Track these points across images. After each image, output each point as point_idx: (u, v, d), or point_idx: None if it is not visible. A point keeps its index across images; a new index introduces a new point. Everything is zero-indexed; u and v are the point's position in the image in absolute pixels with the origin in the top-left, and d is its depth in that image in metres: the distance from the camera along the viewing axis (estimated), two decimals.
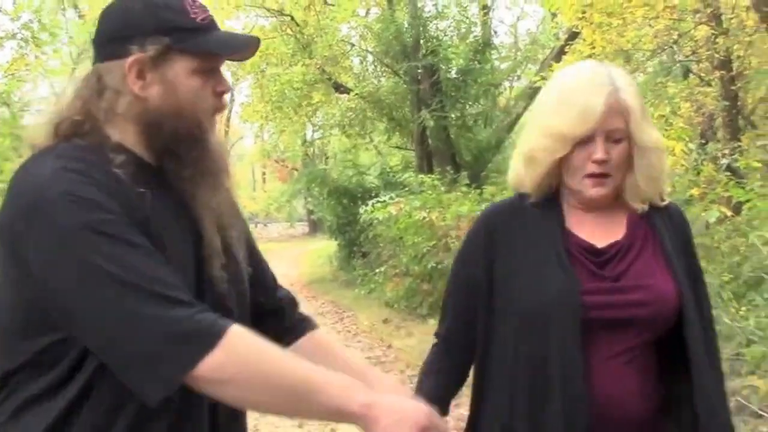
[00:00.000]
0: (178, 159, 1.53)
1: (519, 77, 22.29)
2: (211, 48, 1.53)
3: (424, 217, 12.41)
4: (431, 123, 16.64)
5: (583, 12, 11.72)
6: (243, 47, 1.59)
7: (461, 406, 2.33)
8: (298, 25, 19.58)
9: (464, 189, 13.42)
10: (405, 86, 18.38)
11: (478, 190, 13.30)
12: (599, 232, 1.94)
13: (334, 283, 18.34)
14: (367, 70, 21.55)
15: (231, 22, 21.58)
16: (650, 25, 11.22)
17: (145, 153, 1.53)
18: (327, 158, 26.14)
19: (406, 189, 15.53)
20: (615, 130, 1.86)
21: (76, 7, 19.20)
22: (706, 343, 1.92)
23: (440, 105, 16.98)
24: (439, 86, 17.34)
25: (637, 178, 1.92)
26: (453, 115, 17.18)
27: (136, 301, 1.34)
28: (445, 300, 2.10)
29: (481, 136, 17.63)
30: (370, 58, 21.09)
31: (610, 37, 11.47)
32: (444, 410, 1.94)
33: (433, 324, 11.02)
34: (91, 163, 1.44)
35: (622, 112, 1.86)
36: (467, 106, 17.80)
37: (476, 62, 17.66)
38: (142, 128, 1.51)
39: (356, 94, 19.54)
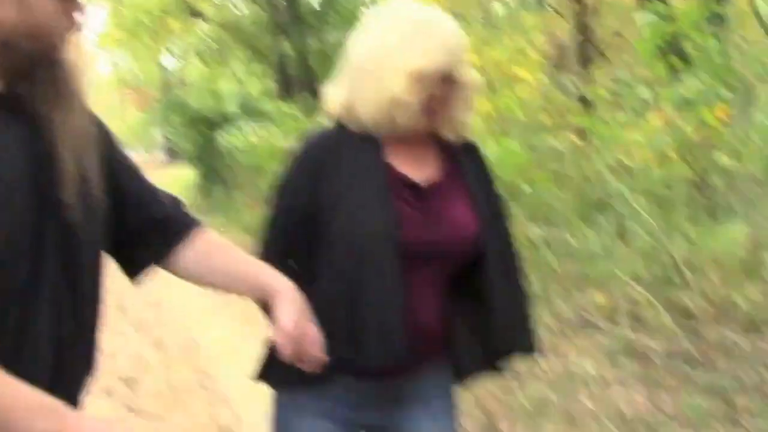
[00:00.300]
0: (32, 82, 1.45)
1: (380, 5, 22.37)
2: None
3: (283, 146, 12.39)
4: (291, 52, 16.51)
5: None
6: None
7: None
8: None
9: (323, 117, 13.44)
10: (265, 14, 18.12)
11: None
12: (415, 166, 2.01)
13: (193, 210, 18.09)
14: None
15: None
16: None
17: None
18: (185, 86, 25.54)
19: (267, 117, 15.43)
20: (449, 72, 1.93)
21: None
22: (507, 268, 2.06)
23: (300, 34, 16.85)
24: (299, 14, 17.18)
25: (455, 113, 2.00)
26: (313, 45, 17.08)
27: None
28: (264, 229, 2.08)
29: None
30: None
31: None
32: None
33: None
34: None
35: (457, 56, 1.93)
36: (327, 36, 17.72)
37: None
38: None
39: (215, 22, 19.13)
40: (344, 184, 1.94)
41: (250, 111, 18.86)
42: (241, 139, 14.15)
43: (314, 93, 16.59)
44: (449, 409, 2.15)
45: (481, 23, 12.90)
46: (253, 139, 13.70)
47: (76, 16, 1.46)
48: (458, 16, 12.97)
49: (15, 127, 1.42)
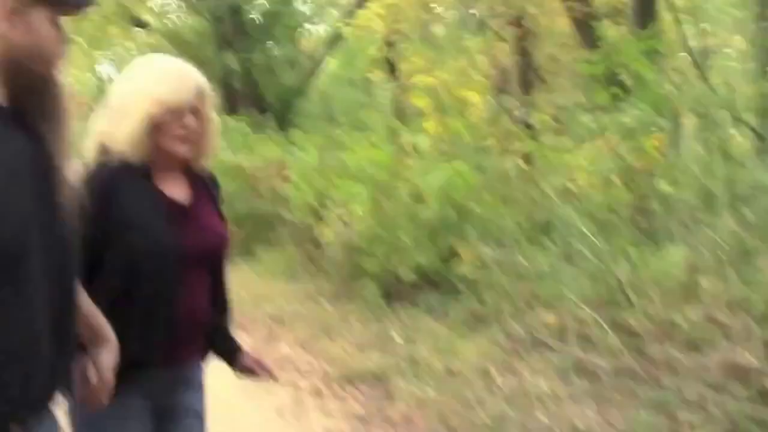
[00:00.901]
0: (32, 97, 1.70)
1: (323, 21, 22.54)
2: (71, 2, 1.76)
3: (233, 161, 12.52)
4: (235, 65, 16.63)
5: None
6: (88, 3, 1.83)
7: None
8: None
9: (271, 132, 13.60)
10: (208, 25, 18.20)
11: (285, 134, 13.51)
12: (177, 190, 2.50)
13: None
14: (169, 4, 21.09)
15: None
16: None
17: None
18: None
19: None
20: (197, 107, 2.44)
21: None
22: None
23: (245, 46, 16.98)
24: (243, 27, 17.31)
25: (204, 144, 2.51)
26: (258, 58, 17.21)
27: None
28: None
29: (285, 80, 17.80)
30: None
31: None
32: None
33: (244, 268, 11.29)
34: None
35: (202, 95, 2.45)
36: (272, 49, 17.87)
37: (280, 4, 17.75)
38: (1, 67, 1.64)
39: (156, 30, 19.13)
40: (127, 209, 2.36)
41: None
42: None
43: (260, 107, 16.76)
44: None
45: (423, 44, 13.25)
46: None
47: (65, 42, 1.75)
48: (400, 35, 13.26)
49: (17, 137, 1.65)
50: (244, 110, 16.31)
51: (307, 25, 20.76)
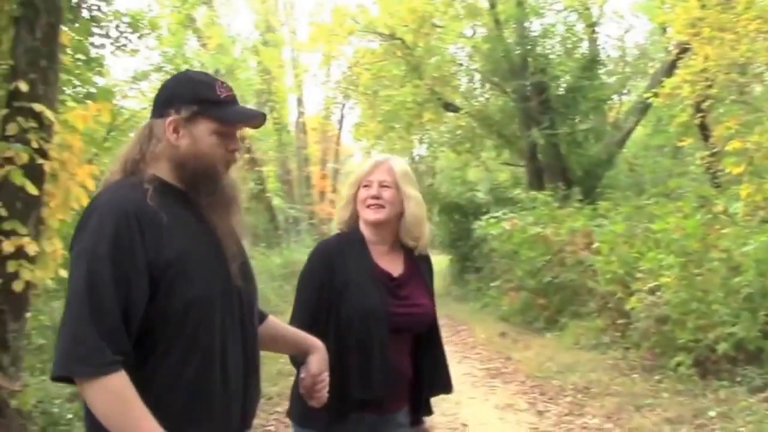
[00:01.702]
0: (197, 190, 2.18)
1: (629, 91, 22.28)
2: (225, 117, 2.19)
3: (539, 232, 12.64)
4: (541, 140, 16.86)
5: (693, 26, 11.78)
6: (251, 120, 2.28)
7: None
8: (408, 47, 20.07)
9: (577, 204, 13.59)
10: (513, 104, 18.65)
11: (592, 206, 13.44)
12: (391, 265, 3.01)
13: (447, 297, 18.66)
14: (476, 89, 21.90)
15: (344, 47, 22.29)
16: (765, 39, 11.20)
17: (176, 182, 2.19)
18: (435, 174, 26.52)
19: (518, 205, 15.77)
20: (371, 180, 2.99)
21: (198, 37, 20.28)
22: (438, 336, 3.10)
23: (550, 122, 17.17)
24: (549, 103, 17.55)
25: (407, 220, 2.99)
26: (563, 132, 17.31)
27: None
28: (294, 307, 2.99)
29: (591, 152, 17.72)
30: (477, 77, 21.43)
31: (722, 51, 11.50)
32: None
33: (550, 338, 11.30)
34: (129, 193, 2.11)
35: (377, 169, 3.00)
36: (577, 122, 17.92)
37: (585, 78, 17.80)
38: (172, 166, 2.17)
39: (465, 112, 19.90)
40: (345, 276, 2.89)
41: (500, 199, 19.34)
42: (495, 226, 14.56)
43: (566, 179, 16.79)
44: None
45: (737, 107, 12.67)
46: (507, 226, 14.08)
47: (233, 151, 2.22)
48: (712, 98, 12.74)
49: (189, 213, 2.15)
50: (550, 184, 16.42)
51: (613, 97, 20.64)
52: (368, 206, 2.98)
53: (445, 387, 3.13)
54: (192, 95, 2.17)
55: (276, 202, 26.54)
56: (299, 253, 22.89)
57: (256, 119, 2.28)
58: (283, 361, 2.85)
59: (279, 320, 2.67)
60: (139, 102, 13.17)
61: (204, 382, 2.08)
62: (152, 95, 13.14)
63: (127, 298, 1.97)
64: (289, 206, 28.40)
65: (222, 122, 2.18)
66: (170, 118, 2.15)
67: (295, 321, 2.88)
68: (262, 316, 2.52)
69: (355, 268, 2.94)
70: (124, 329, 1.96)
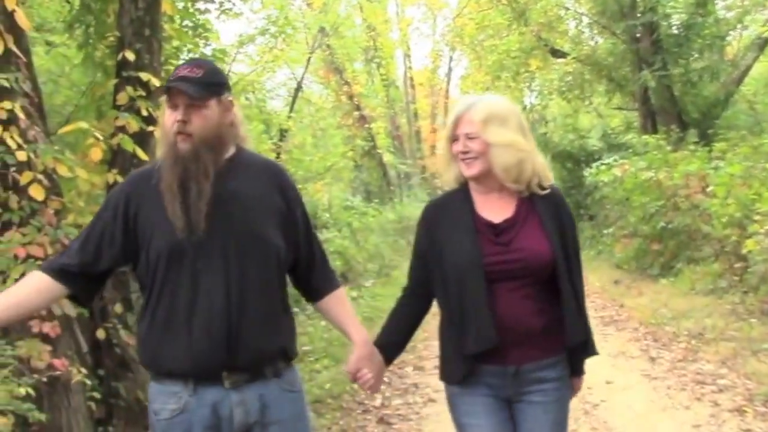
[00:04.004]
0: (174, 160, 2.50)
1: (746, 27, 21.36)
2: (163, 92, 2.57)
3: (651, 177, 12.38)
4: (653, 82, 16.36)
5: None
6: (174, 90, 2.49)
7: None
8: None
9: (691, 147, 13.20)
10: (624, 46, 18.14)
11: (707, 148, 13.03)
12: (498, 211, 2.86)
13: None
14: (583, 32, 21.40)
15: None
16: None
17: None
18: (547, 123, 26.11)
19: (630, 150, 15.43)
20: (457, 133, 2.87)
21: None
22: (572, 283, 2.85)
23: (662, 62, 16.64)
24: (660, 43, 16.98)
25: (494, 170, 2.83)
26: (676, 72, 16.75)
27: None
28: (409, 265, 3.05)
29: (707, 92, 17.05)
30: (585, 20, 20.92)
31: None
32: (390, 351, 2.97)
33: (665, 284, 11.12)
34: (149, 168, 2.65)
35: (459, 122, 2.86)
36: (691, 62, 17.27)
37: (698, 15, 17.12)
38: None
39: (573, 57, 19.50)
40: (446, 231, 2.87)
41: (613, 145, 18.95)
42: (607, 173, 14.31)
43: (680, 122, 16.30)
44: (555, 394, 2.90)
45: None
46: (619, 172, 13.82)
47: (176, 123, 2.51)
48: None
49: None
50: (663, 127, 15.97)
51: (730, 33, 19.79)
52: (462, 161, 2.87)
53: (579, 344, 2.89)
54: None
55: (387, 158, 26.70)
56: (412, 207, 23.08)
57: (180, 88, 2.50)
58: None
59: (340, 299, 2.85)
60: (246, 66, 13.47)
61: (170, 323, 2.47)
62: (258, 58, 13.40)
63: (101, 237, 2.54)
64: (401, 162, 28.55)
65: (167, 98, 2.54)
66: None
67: (408, 283, 3.05)
68: (323, 289, 2.81)
69: (454, 224, 2.88)
70: (77, 252, 2.54)
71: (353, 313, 2.90)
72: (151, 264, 2.50)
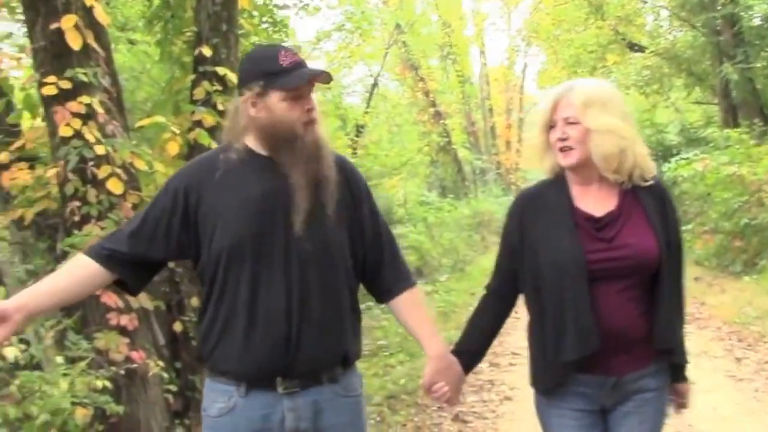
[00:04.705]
0: (278, 152, 2.42)
1: None
2: (288, 84, 2.39)
3: (734, 172, 12.05)
4: (735, 75, 15.91)
5: None
6: (313, 79, 2.43)
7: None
8: None
9: None
10: (703, 39, 17.70)
11: None
12: (599, 204, 2.63)
13: None
14: (661, 26, 20.97)
15: None
16: None
17: (261, 150, 2.46)
18: None
19: (710, 144, 15.05)
20: (554, 118, 2.64)
21: None
22: (675, 284, 2.63)
23: (744, 55, 16.17)
24: (742, 35, 16.52)
25: (593, 159, 2.59)
26: (758, 65, 16.26)
27: None
28: (495, 261, 2.82)
29: None
30: (664, 13, 20.51)
31: None
32: (471, 360, 2.77)
33: (748, 281, 10.80)
34: (215, 154, 2.54)
35: (557, 106, 2.63)
36: None
37: None
38: (256, 136, 2.44)
39: (651, 51, 19.11)
40: (541, 225, 2.63)
41: (692, 139, 18.51)
42: (686, 168, 13.98)
43: (763, 116, 15.83)
44: (654, 405, 2.67)
45: None
46: (699, 167, 13.49)
47: (308, 111, 2.42)
48: None
49: (266, 175, 2.42)
50: (745, 121, 15.52)
51: None
52: (559, 150, 2.63)
53: (671, 352, 2.66)
54: (257, 72, 2.42)
55: (462, 153, 26.60)
56: (487, 203, 22.96)
57: (319, 78, 2.47)
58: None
59: (413, 302, 2.65)
60: (322, 62, 13.53)
61: (229, 325, 2.41)
62: (335, 54, 13.47)
63: (156, 226, 2.45)
64: (476, 157, 28.42)
65: (287, 89, 2.39)
66: (245, 96, 2.43)
67: (493, 282, 2.82)
68: (394, 289, 2.63)
69: (550, 218, 2.64)
70: (128, 239, 2.45)
71: (428, 318, 2.71)
72: (212, 260, 2.41)
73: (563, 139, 2.60)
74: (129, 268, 2.47)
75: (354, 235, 2.54)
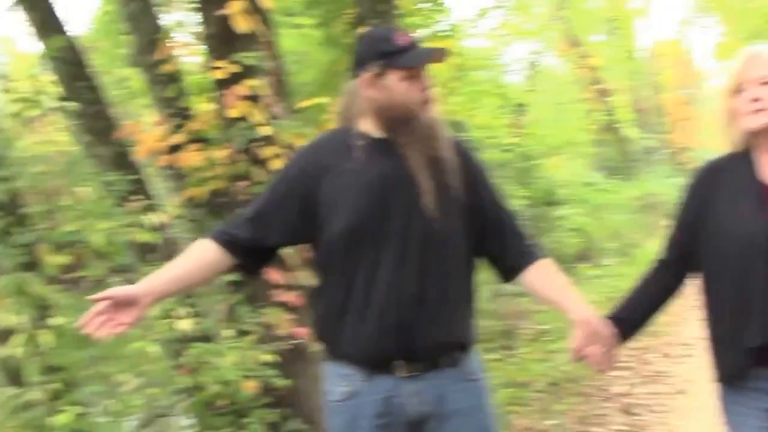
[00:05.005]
0: (395, 133, 2.40)
1: None
2: (406, 64, 2.38)
3: None
4: None
5: None
6: (429, 59, 2.45)
7: None
8: None
9: None
10: None
11: None
12: None
13: None
14: None
15: None
16: None
17: (377, 132, 2.43)
18: None
19: None
20: (762, 76, 2.39)
21: None
22: None
23: None
24: None
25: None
26: None
27: None
28: (668, 234, 2.65)
29: None
30: None
31: None
32: (628, 328, 2.60)
33: None
34: (331, 137, 2.55)
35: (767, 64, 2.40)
36: None
37: None
38: (373, 118, 2.42)
39: None
40: (722, 200, 2.44)
41: None
42: None
43: None
44: None
45: None
46: None
47: (424, 89, 2.41)
48: None
49: (384, 157, 2.40)
50: None
51: None
52: (751, 113, 2.41)
53: None
54: (374, 52, 2.41)
55: (629, 132, 25.81)
56: (655, 184, 22.18)
57: (434, 56, 2.49)
58: None
59: (544, 269, 2.53)
60: (481, 40, 13.44)
61: (346, 307, 2.39)
62: (495, 31, 13.31)
63: (273, 211, 2.46)
64: (643, 136, 27.52)
65: (406, 69, 2.39)
66: (362, 78, 2.42)
67: (664, 255, 2.65)
68: (519, 266, 2.53)
69: (732, 191, 2.44)
70: (248, 224, 2.47)
71: (567, 284, 2.58)
72: (330, 244, 2.40)
73: (756, 100, 2.38)
74: (248, 252, 2.49)
75: (474, 217, 2.48)
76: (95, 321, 2.28)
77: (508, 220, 2.56)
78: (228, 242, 2.47)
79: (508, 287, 8.63)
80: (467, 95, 10.23)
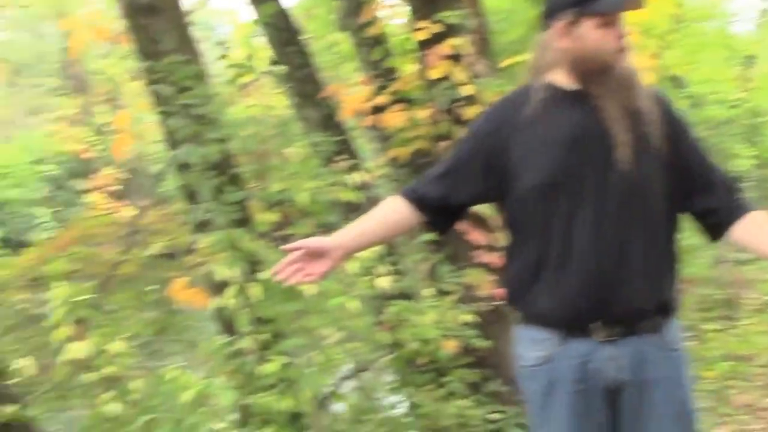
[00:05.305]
0: (590, 84, 2.28)
1: None
2: (604, 10, 2.24)
3: None
4: None
5: None
6: (624, 5, 2.27)
7: None
8: None
9: None
10: None
11: None
12: None
13: None
14: None
15: None
16: None
17: (571, 84, 2.32)
18: None
19: None
20: None
21: None
22: None
23: None
24: None
25: None
26: None
27: None
28: None
29: None
30: None
31: None
32: None
33: None
34: (520, 92, 2.39)
35: None
36: None
37: None
38: (566, 69, 2.30)
39: None
40: None
41: None
42: None
43: None
44: None
45: None
46: None
47: (620, 36, 2.27)
48: None
49: (577, 109, 2.29)
50: None
51: None
52: None
53: None
54: (568, 0, 2.29)
55: None
56: None
57: (631, 2, 2.32)
58: None
59: (755, 221, 2.31)
60: None
61: (541, 267, 2.31)
62: None
63: (461, 169, 2.42)
64: None
65: (602, 15, 2.26)
66: (555, 27, 2.30)
67: None
68: (726, 222, 2.34)
69: None
70: (436, 182, 2.44)
71: None
72: (522, 201, 2.31)
73: None
74: (436, 210, 2.46)
75: (677, 172, 2.32)
76: (288, 269, 2.34)
77: (715, 174, 2.39)
78: (416, 200, 2.46)
79: (732, 254, 8.24)
80: (687, 48, 9.70)
